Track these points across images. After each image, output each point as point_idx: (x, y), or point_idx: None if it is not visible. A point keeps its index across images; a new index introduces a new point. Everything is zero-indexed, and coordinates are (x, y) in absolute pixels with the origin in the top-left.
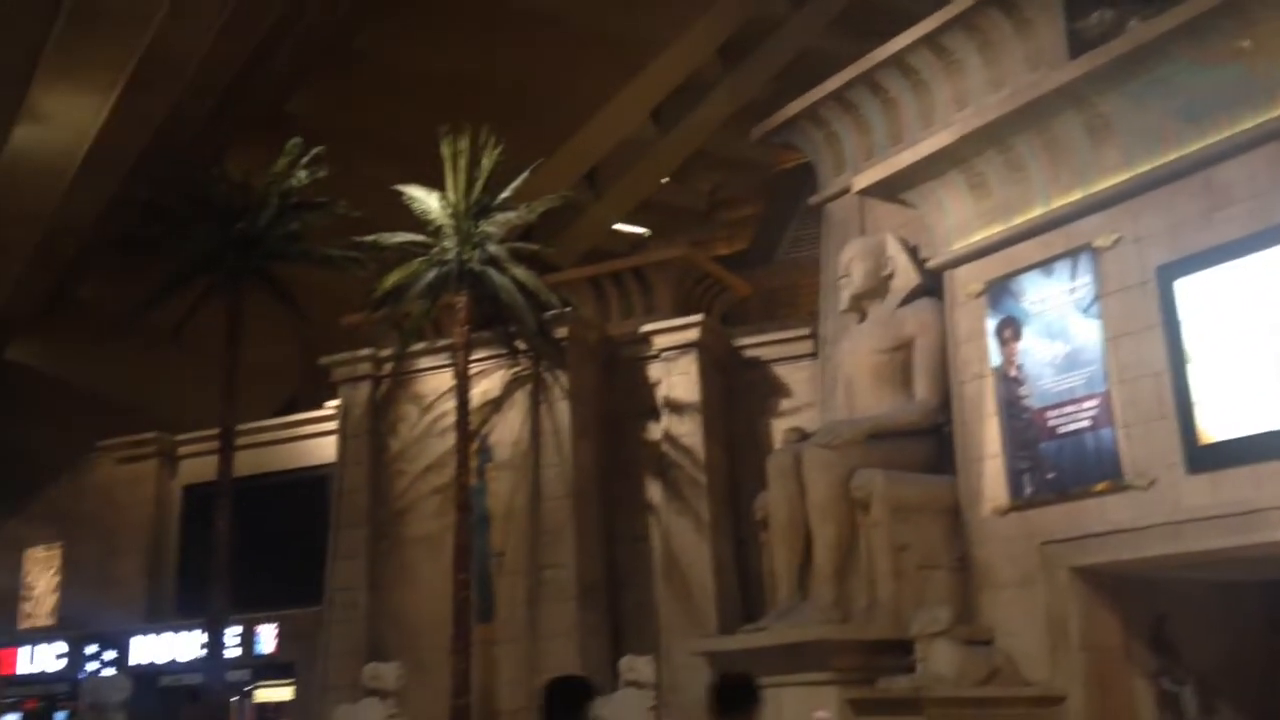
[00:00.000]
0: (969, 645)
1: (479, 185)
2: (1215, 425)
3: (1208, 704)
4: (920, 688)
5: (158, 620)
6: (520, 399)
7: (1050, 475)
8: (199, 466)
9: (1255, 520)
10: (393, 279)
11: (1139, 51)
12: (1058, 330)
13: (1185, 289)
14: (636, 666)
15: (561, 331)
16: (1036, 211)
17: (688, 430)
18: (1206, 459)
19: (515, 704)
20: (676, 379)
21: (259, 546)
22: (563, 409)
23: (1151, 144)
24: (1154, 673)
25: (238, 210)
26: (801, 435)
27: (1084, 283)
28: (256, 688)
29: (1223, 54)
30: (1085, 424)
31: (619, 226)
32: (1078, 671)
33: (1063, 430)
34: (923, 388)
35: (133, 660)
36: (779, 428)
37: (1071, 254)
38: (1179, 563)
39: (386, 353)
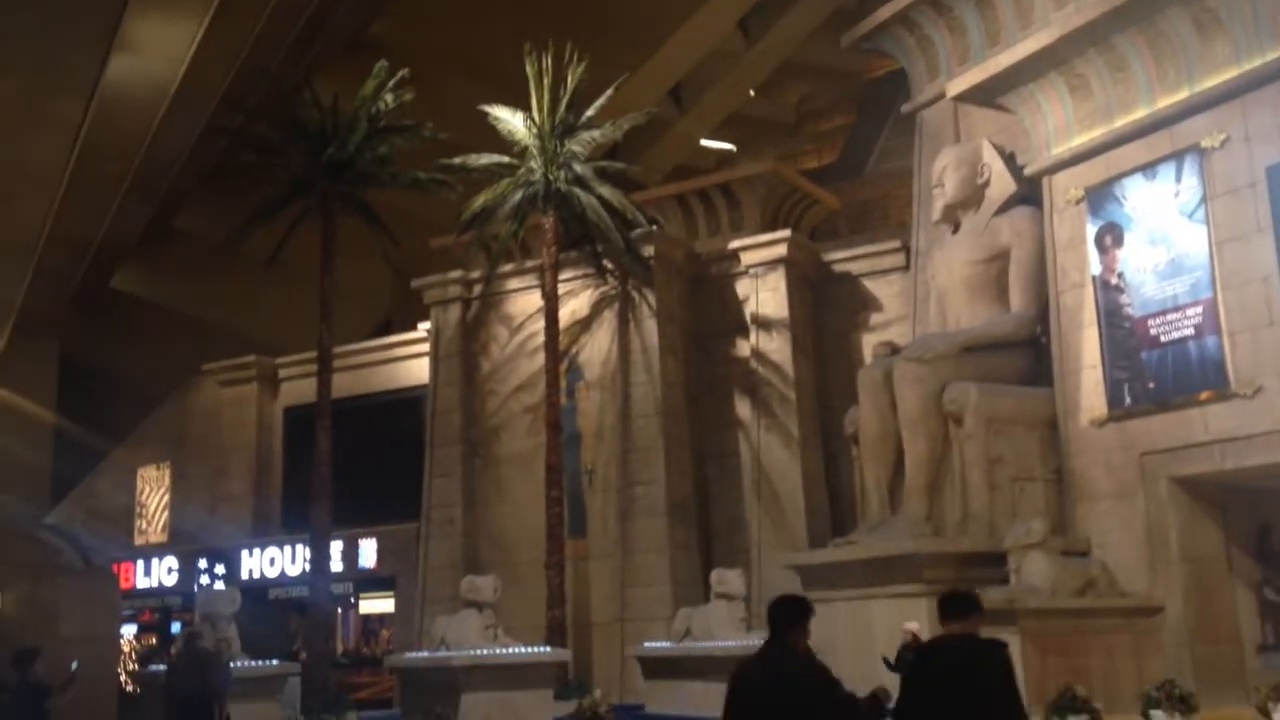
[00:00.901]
0: (1064, 557)
1: (564, 104)
2: None
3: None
4: (1014, 599)
5: (265, 536)
6: (608, 318)
7: (1151, 385)
8: (299, 388)
9: None
10: (480, 201)
11: None
12: (1161, 236)
13: None
14: (727, 579)
15: (648, 250)
16: (1140, 112)
17: (776, 346)
18: None
19: (608, 615)
20: (765, 295)
21: (358, 465)
22: (650, 327)
23: (1263, 37)
24: (1257, 582)
25: (328, 135)
26: (893, 349)
27: (1190, 185)
28: (360, 599)
29: None
30: (1189, 332)
31: (705, 142)
32: (1177, 582)
33: (1165, 339)
34: (1019, 298)
35: (242, 574)
36: (869, 342)
37: (1177, 156)
38: None
39: (475, 274)
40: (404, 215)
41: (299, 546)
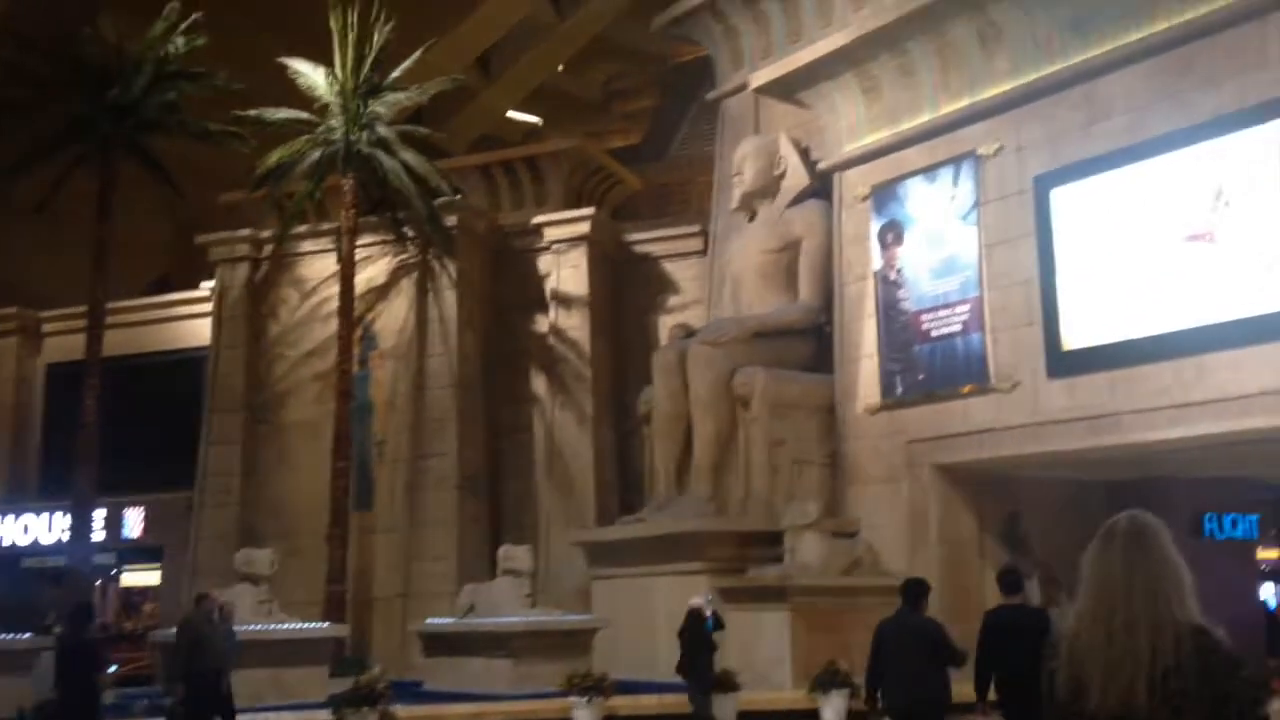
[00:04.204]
0: (835, 537)
1: (369, 63)
2: (1076, 333)
3: (1050, 595)
4: (786, 577)
5: (19, 502)
6: (406, 286)
7: (921, 376)
8: (65, 344)
9: (1106, 423)
10: (275, 157)
11: None
12: (937, 236)
13: (1060, 199)
14: (514, 555)
15: (451, 219)
16: (924, 117)
17: (575, 324)
18: (1066, 364)
19: (391, 590)
20: (566, 272)
21: (128, 429)
22: (449, 298)
23: (1038, 54)
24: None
25: (111, 76)
26: (688, 332)
27: (965, 190)
28: (122, 571)
29: None
30: (957, 328)
31: (512, 114)
32: (935, 563)
33: (936, 333)
34: (806, 288)
35: None
36: (666, 324)
37: (955, 161)
38: (1035, 462)
39: (267, 234)
40: (192, 167)
41: (58, 514)
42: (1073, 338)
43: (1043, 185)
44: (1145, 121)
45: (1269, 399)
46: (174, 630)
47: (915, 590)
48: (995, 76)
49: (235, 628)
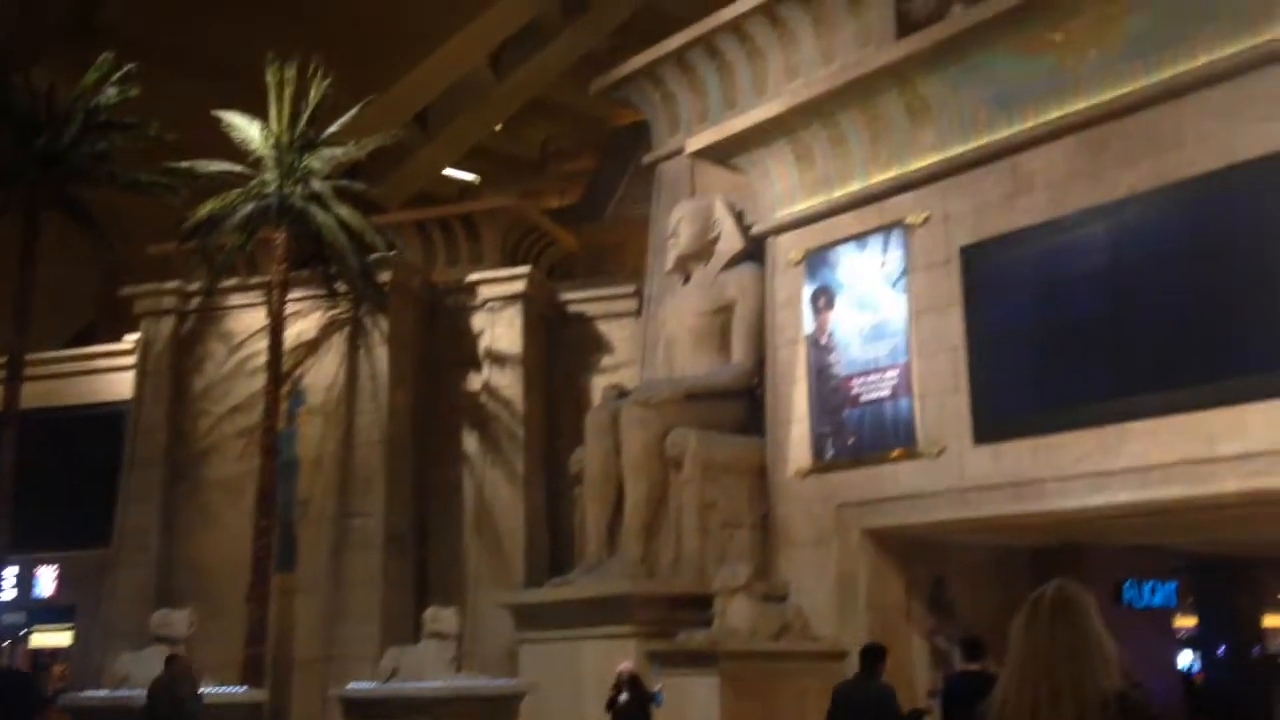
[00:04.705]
0: (765, 601)
1: (305, 117)
2: (1001, 400)
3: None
4: (715, 641)
5: None
6: (337, 342)
7: (850, 440)
8: None
9: (1029, 490)
10: (207, 209)
11: (960, 37)
12: (868, 302)
13: (985, 269)
14: (440, 618)
15: (384, 275)
16: (855, 186)
17: (508, 382)
18: (991, 431)
19: (312, 653)
20: (500, 330)
21: (43, 483)
22: (381, 355)
23: (964, 128)
24: (930, 631)
25: (40, 123)
26: (621, 392)
27: (894, 257)
28: (32, 631)
29: (1035, 45)
30: (886, 393)
31: (449, 171)
32: (863, 628)
33: (865, 398)
34: (739, 351)
35: None
36: (599, 384)
37: (885, 229)
38: (961, 528)
39: (195, 286)
40: (120, 218)
41: None
42: (998, 404)
43: (968, 255)
44: (1066, 196)
45: (1185, 468)
46: (145, 693)
47: (872, 655)
48: (923, 149)
49: (140, 690)
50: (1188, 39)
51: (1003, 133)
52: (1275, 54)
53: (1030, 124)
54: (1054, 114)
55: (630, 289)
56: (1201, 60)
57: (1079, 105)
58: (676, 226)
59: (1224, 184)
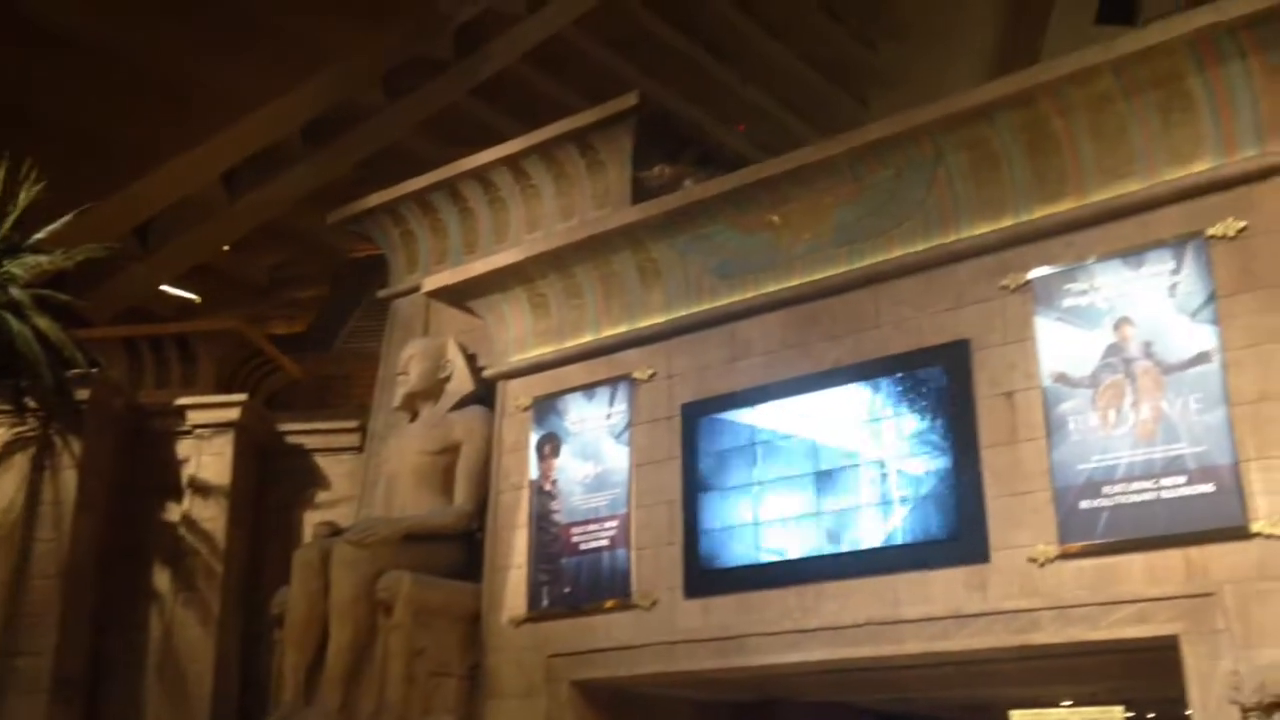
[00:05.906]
0: None
1: (9, 221)
2: (711, 554)
3: None
4: None
5: None
6: (20, 462)
7: (567, 590)
8: None
9: (733, 645)
10: None
11: (688, 209)
12: (592, 451)
13: (704, 427)
14: None
15: (83, 393)
16: (587, 337)
17: (211, 515)
18: (701, 585)
19: None
20: (207, 459)
21: None
22: (69, 479)
23: (690, 293)
24: None
25: None
26: (333, 530)
27: (620, 410)
28: None
29: (756, 223)
30: (604, 543)
31: (167, 288)
32: None
33: (584, 547)
34: (462, 493)
35: None
36: (312, 520)
37: (612, 382)
38: (669, 681)
39: None
40: None
41: None
42: (710, 558)
43: (689, 412)
44: (779, 364)
45: (872, 629)
46: None
47: None
48: (651, 308)
49: None
50: (885, 234)
51: (724, 300)
52: (956, 253)
53: (750, 294)
54: (770, 288)
55: (353, 423)
56: (897, 253)
57: (793, 282)
58: (408, 363)
59: (911, 364)
